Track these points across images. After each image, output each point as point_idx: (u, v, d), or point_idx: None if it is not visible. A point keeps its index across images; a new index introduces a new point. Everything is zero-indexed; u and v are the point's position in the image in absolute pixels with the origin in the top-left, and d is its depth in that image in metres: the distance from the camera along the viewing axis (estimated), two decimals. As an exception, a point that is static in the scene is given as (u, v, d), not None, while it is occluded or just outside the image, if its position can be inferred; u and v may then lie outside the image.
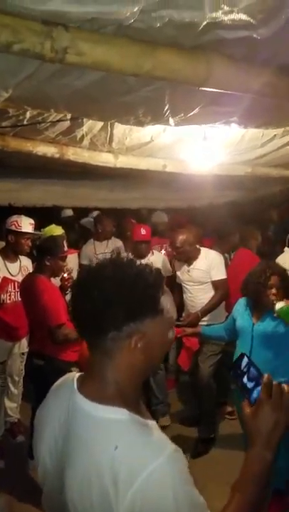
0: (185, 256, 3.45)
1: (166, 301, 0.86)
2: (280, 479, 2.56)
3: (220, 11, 0.96)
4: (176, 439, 2.69)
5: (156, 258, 3.74)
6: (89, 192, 4.14)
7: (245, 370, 0.86)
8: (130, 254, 3.71)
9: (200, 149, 2.75)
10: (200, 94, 1.48)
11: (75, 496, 0.75)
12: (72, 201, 4.25)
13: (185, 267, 3.42)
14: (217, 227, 4.80)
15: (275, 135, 2.74)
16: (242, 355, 0.89)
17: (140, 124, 1.76)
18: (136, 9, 0.93)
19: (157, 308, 0.82)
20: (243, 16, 0.98)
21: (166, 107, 1.57)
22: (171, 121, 1.79)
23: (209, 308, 3.21)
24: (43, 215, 3.85)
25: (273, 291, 2.40)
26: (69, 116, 1.98)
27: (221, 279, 3.23)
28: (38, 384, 2.58)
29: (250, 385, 0.85)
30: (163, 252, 4.14)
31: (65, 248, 2.57)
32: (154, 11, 0.97)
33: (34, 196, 3.79)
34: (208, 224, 5.28)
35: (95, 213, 4.87)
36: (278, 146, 2.94)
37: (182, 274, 3.44)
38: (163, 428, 3.22)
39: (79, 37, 1.01)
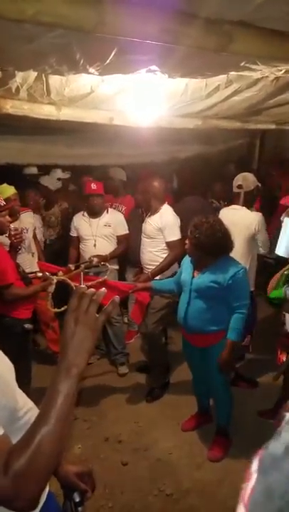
0: (145, 203, 3.51)
1: None
2: (223, 419, 2.82)
3: None
4: (133, 386, 2.95)
5: (112, 216, 3.79)
6: (46, 148, 4.06)
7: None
8: (85, 212, 3.76)
9: (143, 100, 2.74)
10: (107, 42, 1.48)
11: None
12: (28, 158, 4.17)
13: (146, 218, 3.51)
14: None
15: (218, 85, 2.72)
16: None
17: (59, 73, 1.75)
18: None
19: None
20: None
21: (78, 55, 1.57)
22: (91, 70, 1.78)
23: (160, 269, 3.32)
24: (6, 174, 3.81)
25: (186, 244, 2.55)
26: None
27: (174, 240, 3.31)
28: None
29: None
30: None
31: (2, 203, 2.57)
32: None
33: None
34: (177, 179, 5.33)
35: (58, 171, 4.82)
36: (224, 97, 2.92)
37: (143, 225, 3.51)
38: (122, 376, 3.50)
39: None
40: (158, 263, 3.35)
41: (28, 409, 1.03)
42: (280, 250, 1.73)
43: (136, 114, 2.91)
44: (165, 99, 2.82)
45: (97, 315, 0.87)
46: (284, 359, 2.55)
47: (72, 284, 2.96)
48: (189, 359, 2.93)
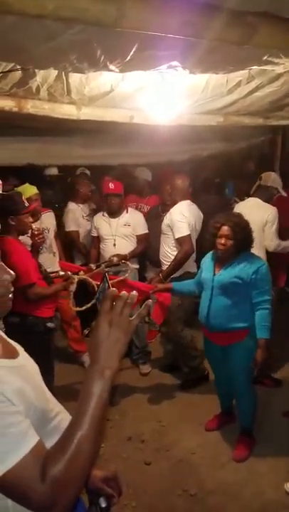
0: (170, 200, 3.51)
1: None
2: (247, 419, 2.78)
3: None
4: (155, 385, 2.95)
5: (132, 216, 3.79)
6: (65, 149, 4.11)
7: (100, 291, 0.91)
8: (105, 212, 3.78)
9: (163, 98, 2.73)
10: (128, 38, 1.47)
11: None
12: (48, 159, 4.23)
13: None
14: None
15: (240, 81, 2.68)
16: (103, 279, 0.94)
17: (80, 70, 1.76)
18: None
19: None
20: None
21: (99, 52, 1.57)
22: (112, 67, 1.78)
23: (171, 270, 3.32)
24: (28, 174, 3.88)
25: (222, 240, 2.50)
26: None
27: (182, 237, 3.30)
28: (16, 340, 2.72)
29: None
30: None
31: (26, 204, 2.60)
32: None
33: (6, 155, 3.78)
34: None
35: (79, 171, 4.85)
36: (245, 93, 2.87)
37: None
38: (144, 375, 3.49)
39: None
40: (170, 260, 3.33)
41: (57, 411, 1.01)
42: None
43: (156, 112, 2.89)
44: (186, 96, 2.79)
45: (131, 318, 0.86)
46: None
47: (94, 283, 2.97)
48: (211, 358, 2.90)
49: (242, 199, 4.48)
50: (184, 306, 3.33)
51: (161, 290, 3.04)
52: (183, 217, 3.29)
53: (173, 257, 3.34)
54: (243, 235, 2.53)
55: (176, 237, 3.31)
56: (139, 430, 3.01)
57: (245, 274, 2.46)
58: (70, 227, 4.15)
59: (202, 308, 2.65)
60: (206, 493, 2.46)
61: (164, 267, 3.44)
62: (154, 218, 3.90)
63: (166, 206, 3.47)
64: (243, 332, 2.52)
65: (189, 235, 3.27)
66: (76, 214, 4.19)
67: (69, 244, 4.20)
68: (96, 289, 2.87)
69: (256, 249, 2.85)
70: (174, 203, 3.42)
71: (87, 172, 4.73)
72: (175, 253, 3.34)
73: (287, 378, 3.38)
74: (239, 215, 2.64)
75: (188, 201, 3.45)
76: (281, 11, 1.43)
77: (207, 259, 2.76)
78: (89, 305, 2.82)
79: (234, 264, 2.53)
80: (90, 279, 2.89)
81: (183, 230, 3.27)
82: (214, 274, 2.61)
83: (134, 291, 0.88)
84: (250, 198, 3.42)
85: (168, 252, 3.41)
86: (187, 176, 3.60)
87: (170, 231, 3.36)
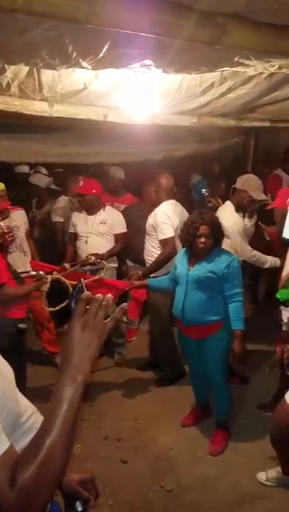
0: (154, 199, 3.51)
1: None
2: (222, 411, 2.83)
3: None
4: (134, 384, 2.96)
5: (109, 214, 3.77)
6: (39, 146, 4.06)
7: (75, 294, 0.91)
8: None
9: (138, 97, 2.74)
10: (100, 35, 1.47)
11: None
12: (21, 156, 4.17)
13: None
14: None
15: (213, 82, 2.72)
16: (78, 281, 0.94)
17: (52, 67, 1.74)
18: None
19: None
20: None
21: (71, 48, 1.56)
22: (84, 64, 1.77)
23: (151, 269, 3.32)
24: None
25: (202, 239, 2.57)
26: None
27: (164, 239, 3.28)
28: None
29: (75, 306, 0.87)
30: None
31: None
32: None
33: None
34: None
35: (42, 169, 4.82)
36: (218, 94, 2.92)
37: None
38: (118, 365, 3.45)
39: None
40: (150, 258, 3.35)
41: (30, 413, 0.99)
42: (287, 234, 1.73)
43: (131, 111, 2.90)
44: (160, 96, 2.82)
45: (105, 321, 0.86)
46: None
47: (68, 282, 2.95)
48: (186, 353, 2.94)
49: (214, 199, 4.57)
50: (168, 304, 3.34)
51: (137, 287, 3.09)
52: (167, 219, 3.28)
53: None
54: (219, 232, 2.64)
55: (160, 238, 3.30)
56: (116, 429, 3.01)
57: (217, 269, 2.56)
58: (56, 217, 4.15)
59: (177, 303, 2.70)
60: (183, 489, 2.48)
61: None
62: (133, 217, 3.88)
63: (157, 203, 3.45)
64: (216, 325, 2.61)
65: (173, 237, 3.25)
66: (65, 206, 4.22)
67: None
68: (70, 288, 2.86)
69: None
70: (159, 203, 3.41)
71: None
72: (158, 253, 3.35)
73: (261, 373, 3.45)
74: (212, 213, 2.73)
75: (173, 201, 3.44)
76: (250, 14, 1.46)
77: (180, 256, 2.82)
78: (63, 304, 2.80)
79: (208, 260, 2.62)
80: (64, 279, 2.87)
81: (166, 231, 3.26)
82: (188, 270, 2.66)
83: (110, 294, 0.88)
84: (226, 202, 3.39)
85: (153, 252, 3.40)
86: (171, 175, 3.56)
87: (154, 231, 3.36)
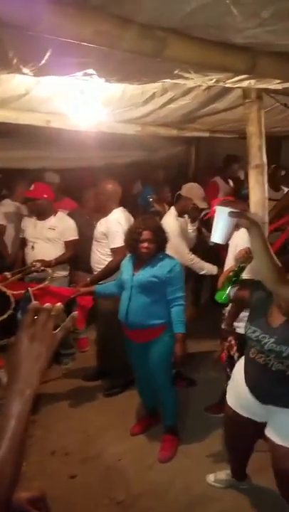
0: (100, 206, 3.45)
1: None
2: (170, 416, 2.86)
3: None
4: (81, 395, 2.85)
5: (60, 220, 3.68)
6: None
7: (22, 304, 0.89)
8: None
9: (80, 104, 2.72)
10: (42, 42, 1.45)
11: None
12: None
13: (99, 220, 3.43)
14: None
15: (154, 92, 2.79)
16: (26, 291, 0.92)
17: (-10, 71, 1.69)
18: None
19: None
20: None
21: (11, 54, 1.52)
22: (26, 70, 1.73)
23: (100, 276, 3.30)
24: None
25: (145, 244, 2.63)
26: None
27: (116, 247, 3.24)
28: None
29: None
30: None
31: None
32: None
33: None
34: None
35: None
36: (160, 104, 3.00)
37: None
38: (65, 375, 3.35)
39: None
40: (101, 266, 3.33)
41: None
42: (215, 237, 1.79)
43: (75, 118, 2.88)
44: (103, 104, 2.82)
45: (54, 331, 0.83)
46: (225, 358, 2.63)
47: (9, 292, 2.83)
48: (132, 358, 2.93)
49: (163, 206, 4.67)
50: (117, 311, 3.30)
51: (84, 294, 3.05)
52: (119, 227, 3.24)
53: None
54: (162, 237, 2.70)
55: (111, 246, 3.26)
56: (63, 443, 2.93)
57: (160, 273, 2.62)
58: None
59: (122, 307, 2.73)
60: (133, 498, 2.47)
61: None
62: (78, 223, 3.82)
63: (102, 210, 3.40)
64: (160, 328, 2.67)
65: (124, 245, 3.25)
66: (9, 210, 4.09)
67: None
68: (12, 299, 2.75)
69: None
70: (108, 210, 3.37)
71: None
72: (109, 259, 3.31)
73: (205, 374, 3.55)
74: (155, 219, 2.80)
75: (122, 207, 3.43)
76: (187, 29, 1.51)
77: (126, 261, 2.85)
78: (4, 316, 2.68)
79: (151, 265, 2.68)
80: (5, 289, 2.76)
81: (118, 240, 3.22)
82: (133, 275, 2.70)
83: (59, 303, 0.86)
84: (171, 208, 3.54)
85: (102, 259, 3.36)
86: (116, 181, 3.53)
87: (105, 239, 3.32)
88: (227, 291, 2.34)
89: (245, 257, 2.51)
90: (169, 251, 2.97)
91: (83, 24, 1.30)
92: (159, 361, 2.71)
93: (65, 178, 4.50)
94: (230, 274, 2.45)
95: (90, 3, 1.28)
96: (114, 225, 3.27)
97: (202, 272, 3.52)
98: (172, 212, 3.43)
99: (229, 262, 2.83)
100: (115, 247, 3.26)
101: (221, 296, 2.35)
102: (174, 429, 2.89)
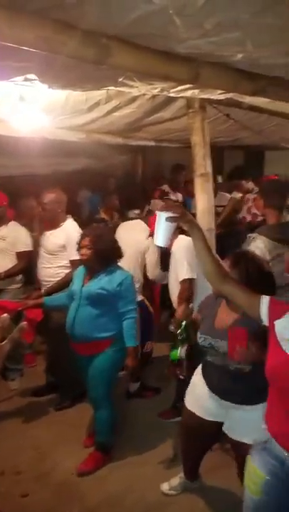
0: (51, 216, 3.30)
1: None
2: (102, 432, 2.76)
3: None
4: (29, 407, 2.72)
5: (12, 229, 3.50)
6: None
7: None
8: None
9: (23, 110, 2.66)
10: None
11: None
12: None
13: (46, 232, 3.31)
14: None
15: (99, 100, 2.79)
16: None
17: None
18: None
19: None
20: None
21: None
22: None
23: (56, 287, 3.17)
24: None
25: (82, 251, 2.61)
26: None
27: (77, 259, 3.15)
28: None
29: None
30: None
31: None
32: None
33: None
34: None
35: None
36: (104, 112, 3.01)
37: (42, 238, 3.35)
38: (13, 391, 3.17)
39: None
40: (57, 279, 3.22)
41: None
42: (158, 241, 1.84)
43: (16, 124, 2.80)
44: (45, 110, 2.78)
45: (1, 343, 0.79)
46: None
47: None
48: (79, 370, 2.81)
49: (111, 214, 4.65)
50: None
51: (32, 306, 2.91)
52: (78, 237, 3.19)
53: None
54: (103, 245, 2.60)
55: (71, 258, 3.13)
56: (13, 461, 2.79)
57: (110, 286, 2.56)
58: None
59: (69, 318, 2.66)
60: (89, 511, 2.40)
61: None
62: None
63: (53, 222, 3.27)
64: (106, 342, 2.60)
65: None
66: None
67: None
68: None
69: (132, 269, 3.00)
70: (61, 220, 3.27)
71: None
72: (65, 271, 3.21)
73: (163, 380, 3.56)
74: (101, 228, 2.77)
75: (70, 216, 3.37)
76: (131, 37, 1.53)
77: (78, 272, 2.79)
78: None
79: (101, 276, 2.61)
80: None
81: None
82: (82, 286, 2.65)
83: (5, 314, 0.82)
84: (137, 220, 3.49)
85: (58, 272, 3.25)
86: (61, 189, 3.42)
87: (64, 251, 3.20)
88: (178, 351, 2.36)
89: (185, 314, 2.57)
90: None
91: (23, 29, 1.27)
92: (98, 374, 2.61)
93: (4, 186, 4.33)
94: (178, 335, 2.43)
95: (29, 6, 1.26)
96: (75, 236, 3.20)
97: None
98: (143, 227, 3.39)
99: (172, 268, 2.91)
100: (76, 258, 3.17)
101: (174, 356, 2.36)
102: (104, 446, 2.75)
